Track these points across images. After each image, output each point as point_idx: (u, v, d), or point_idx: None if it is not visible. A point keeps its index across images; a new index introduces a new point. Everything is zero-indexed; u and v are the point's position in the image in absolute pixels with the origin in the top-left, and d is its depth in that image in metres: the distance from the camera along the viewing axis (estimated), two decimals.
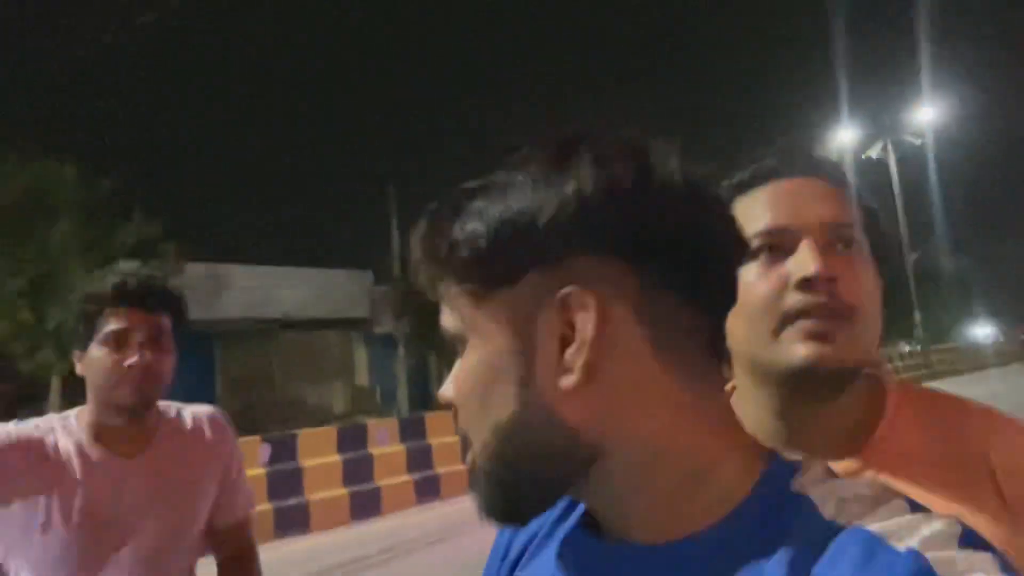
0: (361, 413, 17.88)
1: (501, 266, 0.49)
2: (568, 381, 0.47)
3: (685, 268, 0.47)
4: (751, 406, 0.75)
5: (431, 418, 9.10)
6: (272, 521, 6.85)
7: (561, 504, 0.60)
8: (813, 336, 0.70)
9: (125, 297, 1.41)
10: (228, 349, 17.82)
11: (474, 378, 0.51)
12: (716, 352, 0.50)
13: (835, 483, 0.47)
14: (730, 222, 0.50)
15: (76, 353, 1.44)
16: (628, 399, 0.47)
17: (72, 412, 1.46)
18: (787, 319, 0.71)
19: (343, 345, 19.99)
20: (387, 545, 6.36)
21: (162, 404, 1.53)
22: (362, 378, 20.31)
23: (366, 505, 7.65)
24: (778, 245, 0.73)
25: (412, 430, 8.68)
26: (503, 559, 0.64)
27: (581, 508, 0.57)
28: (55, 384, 11.81)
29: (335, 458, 7.70)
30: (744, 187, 0.78)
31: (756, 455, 0.49)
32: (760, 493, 0.47)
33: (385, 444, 8.25)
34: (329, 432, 8.06)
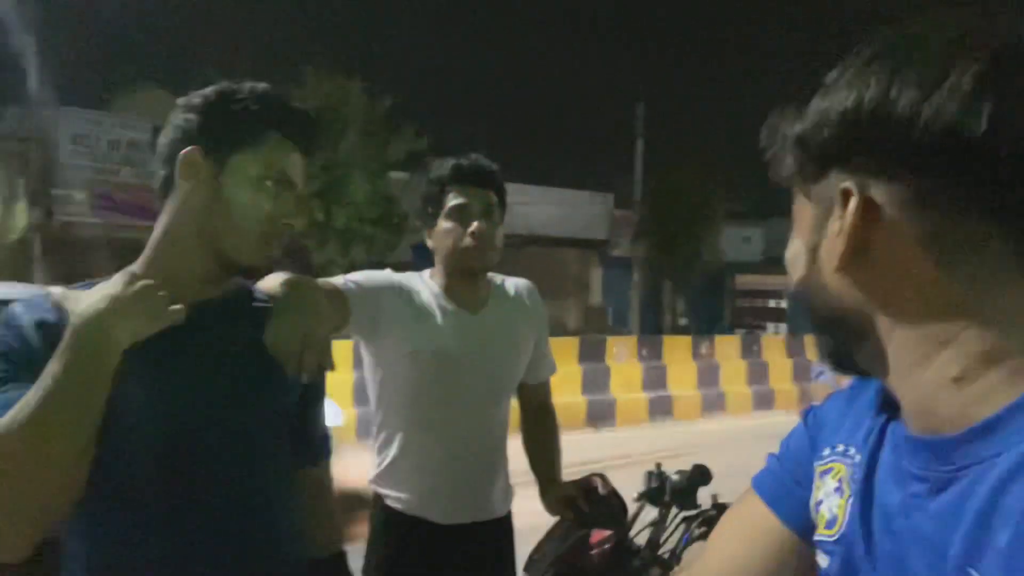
0: (592, 331, 18.47)
1: (813, 162, 0.57)
2: (834, 263, 0.55)
3: (972, 179, 0.49)
4: None
5: (668, 340, 9.22)
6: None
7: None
8: None
9: (463, 176, 1.68)
10: None
11: (797, 243, 0.61)
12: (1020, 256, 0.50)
13: None
14: None
15: (427, 231, 1.75)
16: (890, 285, 0.53)
17: (426, 272, 1.78)
18: None
19: (580, 264, 20.54)
20: (621, 452, 6.70)
21: (490, 274, 1.81)
22: (595, 298, 20.82)
23: (602, 414, 8.06)
24: None
25: (649, 350, 8.88)
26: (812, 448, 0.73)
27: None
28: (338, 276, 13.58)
29: (575, 367, 8.16)
30: None
31: None
32: None
33: (623, 360, 8.55)
34: (571, 342, 8.52)
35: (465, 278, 1.72)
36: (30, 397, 0.86)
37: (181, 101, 1.05)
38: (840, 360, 0.61)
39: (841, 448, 0.66)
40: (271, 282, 1.15)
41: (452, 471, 1.69)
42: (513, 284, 1.86)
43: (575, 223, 19.36)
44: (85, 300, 0.90)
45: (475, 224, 1.66)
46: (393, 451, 1.72)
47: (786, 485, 0.72)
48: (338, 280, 1.62)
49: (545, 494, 1.81)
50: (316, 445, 1.20)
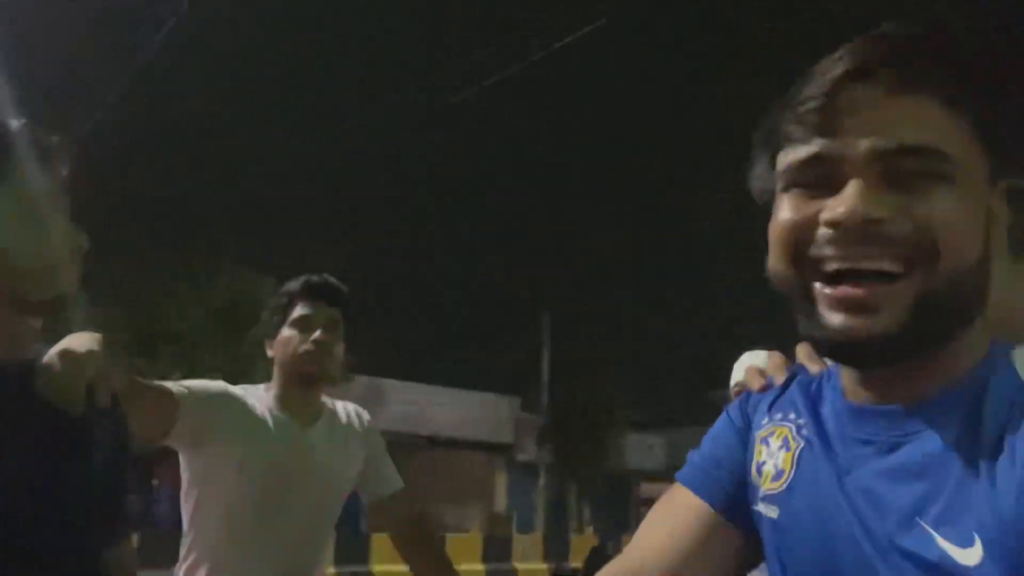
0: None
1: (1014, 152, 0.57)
2: (1004, 250, 0.58)
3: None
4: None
5: (576, 540, 9.00)
6: None
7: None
8: None
9: (311, 290, 1.75)
10: None
11: (971, 212, 0.57)
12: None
13: None
14: None
15: (268, 341, 1.77)
16: (989, 284, 0.59)
17: (261, 386, 1.79)
18: None
19: (484, 468, 20.09)
20: None
21: (324, 398, 1.83)
22: (500, 503, 20.18)
23: None
24: None
25: (555, 549, 8.62)
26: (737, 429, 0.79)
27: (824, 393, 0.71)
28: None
29: (478, 566, 7.79)
30: None
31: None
32: (986, 363, 0.59)
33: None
34: (474, 539, 8.20)
35: (300, 387, 1.73)
36: None
37: None
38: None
39: (779, 416, 0.73)
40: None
41: None
42: (343, 406, 1.88)
43: (480, 425, 19.21)
44: None
45: (317, 332, 1.70)
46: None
47: (707, 470, 0.77)
48: (171, 384, 1.63)
49: None
50: (115, 525, 1.14)
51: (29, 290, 0.97)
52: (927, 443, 0.58)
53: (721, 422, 0.81)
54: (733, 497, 0.74)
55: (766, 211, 0.64)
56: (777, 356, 0.83)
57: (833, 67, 0.57)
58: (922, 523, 0.55)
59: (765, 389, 0.79)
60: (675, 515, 0.76)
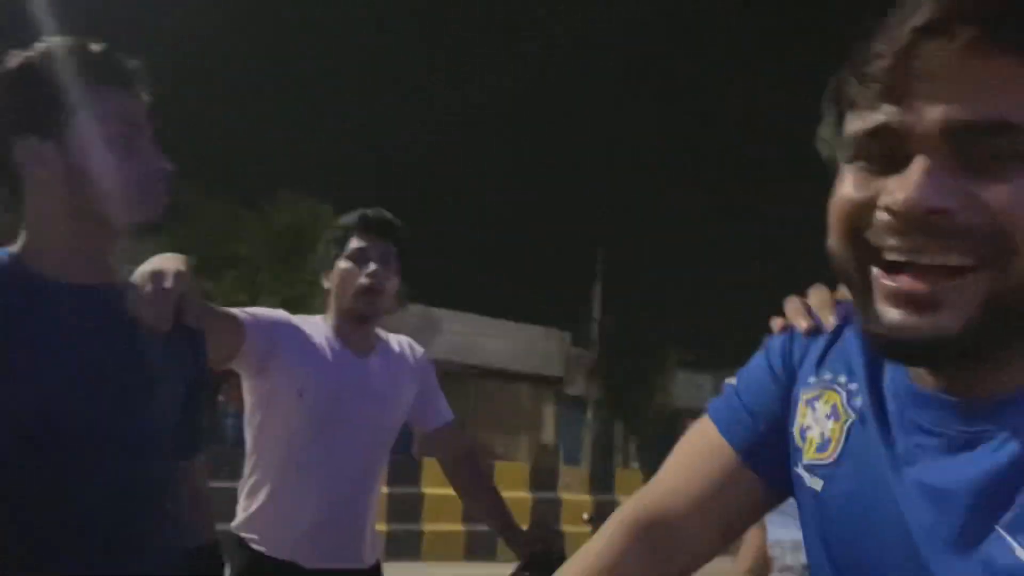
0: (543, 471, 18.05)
1: None
2: None
3: None
4: None
5: (620, 473, 9.17)
6: (463, 543, 7.27)
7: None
8: None
9: (366, 223, 1.80)
10: None
11: None
12: None
13: None
14: None
15: (325, 273, 1.83)
16: None
17: (318, 317, 1.85)
18: None
19: (534, 401, 20.43)
20: None
21: (378, 330, 1.90)
22: (548, 436, 20.57)
23: None
24: None
25: (600, 483, 8.80)
26: (784, 366, 0.71)
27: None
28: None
29: (526, 495, 8.02)
30: None
31: None
32: None
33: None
34: (522, 468, 8.43)
35: (355, 320, 1.79)
36: None
37: None
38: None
39: (830, 376, 0.66)
40: None
41: (325, 515, 1.70)
42: (397, 339, 1.94)
43: (530, 358, 19.42)
44: None
45: (372, 266, 1.75)
46: (263, 495, 1.72)
47: (740, 415, 0.73)
48: (237, 311, 1.69)
49: (511, 542, 1.81)
50: (193, 440, 1.20)
51: (118, 213, 1.00)
52: (1004, 445, 0.51)
53: (760, 365, 0.74)
54: (761, 447, 0.71)
55: (834, 175, 0.57)
56: (824, 291, 0.73)
57: (906, 19, 0.48)
58: (998, 529, 0.50)
59: (812, 332, 0.70)
60: (699, 455, 0.74)
